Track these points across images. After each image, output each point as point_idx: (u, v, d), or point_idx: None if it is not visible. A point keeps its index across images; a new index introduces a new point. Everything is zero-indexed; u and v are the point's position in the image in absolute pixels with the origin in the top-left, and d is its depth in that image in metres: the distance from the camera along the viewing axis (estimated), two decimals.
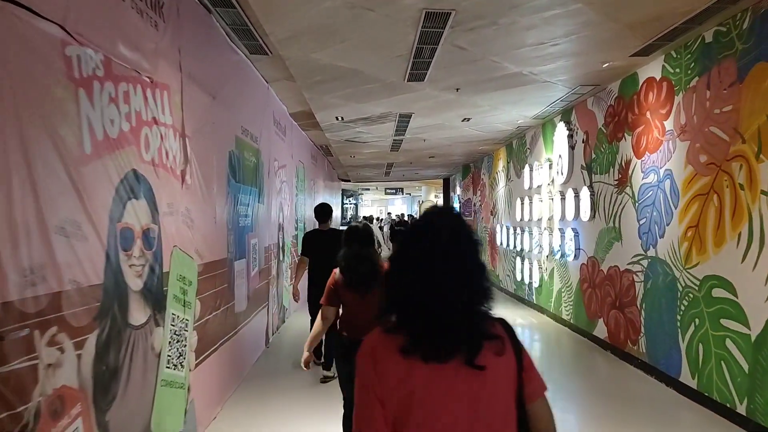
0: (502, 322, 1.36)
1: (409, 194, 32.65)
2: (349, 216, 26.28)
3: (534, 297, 9.22)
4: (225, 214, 4.55)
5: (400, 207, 34.87)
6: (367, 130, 9.35)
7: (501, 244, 11.44)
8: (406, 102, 7.16)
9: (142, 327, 2.82)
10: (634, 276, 5.73)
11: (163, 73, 3.16)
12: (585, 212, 6.88)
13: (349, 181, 22.06)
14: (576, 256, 7.24)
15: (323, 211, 5.67)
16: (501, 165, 11.67)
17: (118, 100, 2.57)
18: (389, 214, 29.54)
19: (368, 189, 29.40)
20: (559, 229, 7.83)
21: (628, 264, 5.86)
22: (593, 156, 6.80)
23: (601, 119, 6.59)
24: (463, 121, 8.44)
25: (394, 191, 30.04)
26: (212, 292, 4.14)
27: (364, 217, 23.72)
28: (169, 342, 3.21)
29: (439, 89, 6.47)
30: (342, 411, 3.35)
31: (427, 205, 27.64)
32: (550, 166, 8.26)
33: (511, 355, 1.31)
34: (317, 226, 5.81)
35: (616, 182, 6.17)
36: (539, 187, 8.84)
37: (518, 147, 10.25)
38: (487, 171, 13.15)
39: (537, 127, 9.01)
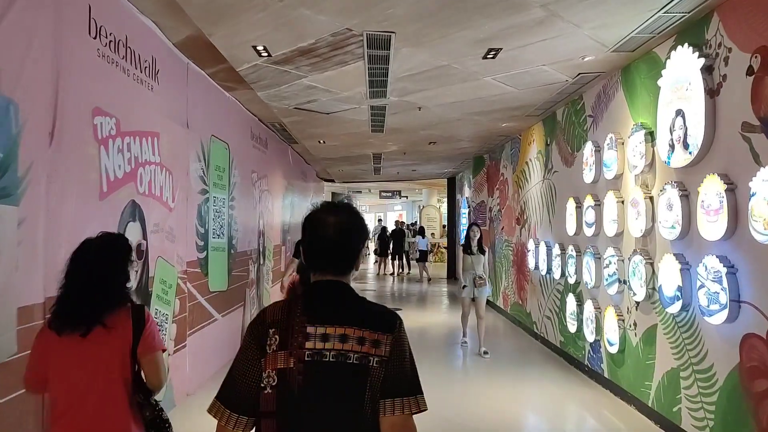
0: (135, 307, 2.08)
1: (407, 197, 28.66)
2: None
3: (606, 368, 5.41)
4: None
5: (396, 214, 31.00)
6: (323, 84, 5.59)
7: (536, 269, 7.64)
8: None
9: None
10: None
11: None
12: (758, 225, 3.11)
13: (334, 181, 18.25)
14: (732, 316, 3.43)
15: None
16: (534, 150, 7.90)
17: None
18: (379, 221, 24.89)
19: (360, 191, 25.54)
20: (676, 255, 4.05)
21: None
22: None
23: None
24: (486, 57, 4.68)
25: (390, 194, 26.03)
26: None
27: None
28: None
29: None
30: None
31: (428, 211, 23.88)
32: (650, 139, 4.50)
33: (127, 332, 2.00)
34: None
35: None
36: (618, 178, 5.07)
37: (569, 117, 6.49)
38: (510, 162, 9.38)
39: (611, 75, 5.25)
